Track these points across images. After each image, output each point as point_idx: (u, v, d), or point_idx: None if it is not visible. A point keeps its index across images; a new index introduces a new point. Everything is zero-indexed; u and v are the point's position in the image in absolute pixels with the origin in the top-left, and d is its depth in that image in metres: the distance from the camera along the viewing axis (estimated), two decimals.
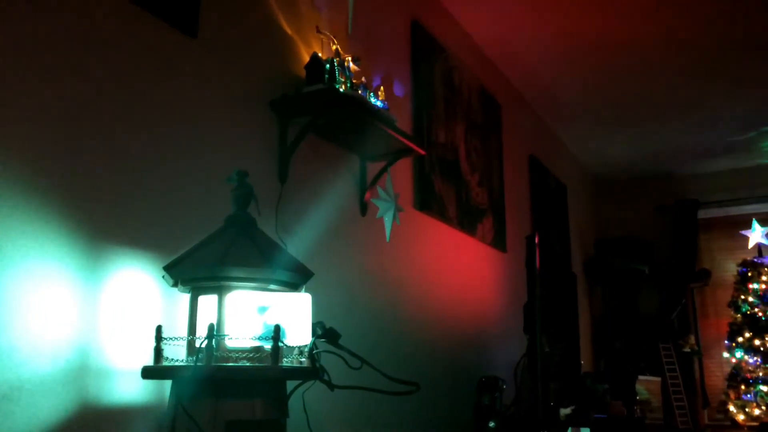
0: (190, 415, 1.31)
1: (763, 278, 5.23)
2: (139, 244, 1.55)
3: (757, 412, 4.94)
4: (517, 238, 3.92)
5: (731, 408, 5.07)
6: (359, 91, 2.13)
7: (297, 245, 2.04)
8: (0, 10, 1.31)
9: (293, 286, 1.51)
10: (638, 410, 3.61)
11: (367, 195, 2.47)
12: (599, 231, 6.07)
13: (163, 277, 1.49)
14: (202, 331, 1.40)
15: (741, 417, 5.00)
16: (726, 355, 5.30)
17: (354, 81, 2.13)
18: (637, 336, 5.30)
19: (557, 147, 5.23)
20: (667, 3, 3.39)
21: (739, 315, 5.24)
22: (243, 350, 1.38)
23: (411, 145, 2.36)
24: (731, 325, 5.28)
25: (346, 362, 1.52)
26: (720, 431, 5.05)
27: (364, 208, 2.47)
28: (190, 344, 1.43)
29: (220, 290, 1.42)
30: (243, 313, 1.40)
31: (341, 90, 2.04)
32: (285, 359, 1.42)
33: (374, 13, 2.75)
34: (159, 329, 1.43)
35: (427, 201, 2.92)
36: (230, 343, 1.38)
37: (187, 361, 1.41)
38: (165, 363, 1.41)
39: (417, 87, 2.97)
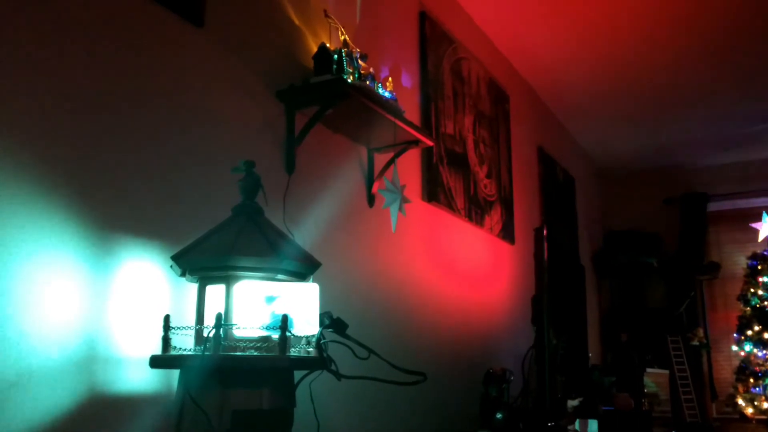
0: (198, 404, 1.31)
1: None
2: (146, 235, 1.56)
3: (765, 405, 4.93)
4: (526, 230, 3.91)
5: (740, 401, 5.06)
6: (367, 82, 2.12)
7: (304, 236, 2.04)
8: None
9: (301, 276, 1.51)
10: (646, 403, 3.60)
11: (375, 186, 2.47)
12: (607, 223, 6.04)
13: (171, 266, 1.49)
14: (209, 321, 1.40)
15: (749, 410, 4.98)
16: (735, 348, 5.29)
17: (362, 71, 2.12)
18: (645, 329, 5.29)
19: (566, 139, 5.21)
20: None
21: (748, 308, 5.23)
22: (251, 340, 1.38)
23: (419, 136, 2.35)
24: (740, 318, 5.26)
25: (354, 352, 1.52)
26: (728, 424, 5.03)
27: (371, 199, 2.47)
28: (198, 334, 1.43)
29: (228, 280, 1.42)
30: (251, 302, 1.40)
31: (349, 80, 2.03)
32: (292, 349, 1.42)
33: (382, 2, 2.73)
34: (167, 319, 1.43)
35: (435, 192, 2.91)
36: (238, 332, 1.38)
37: (194, 350, 1.41)
38: (173, 352, 1.41)
39: (425, 78, 2.95)
